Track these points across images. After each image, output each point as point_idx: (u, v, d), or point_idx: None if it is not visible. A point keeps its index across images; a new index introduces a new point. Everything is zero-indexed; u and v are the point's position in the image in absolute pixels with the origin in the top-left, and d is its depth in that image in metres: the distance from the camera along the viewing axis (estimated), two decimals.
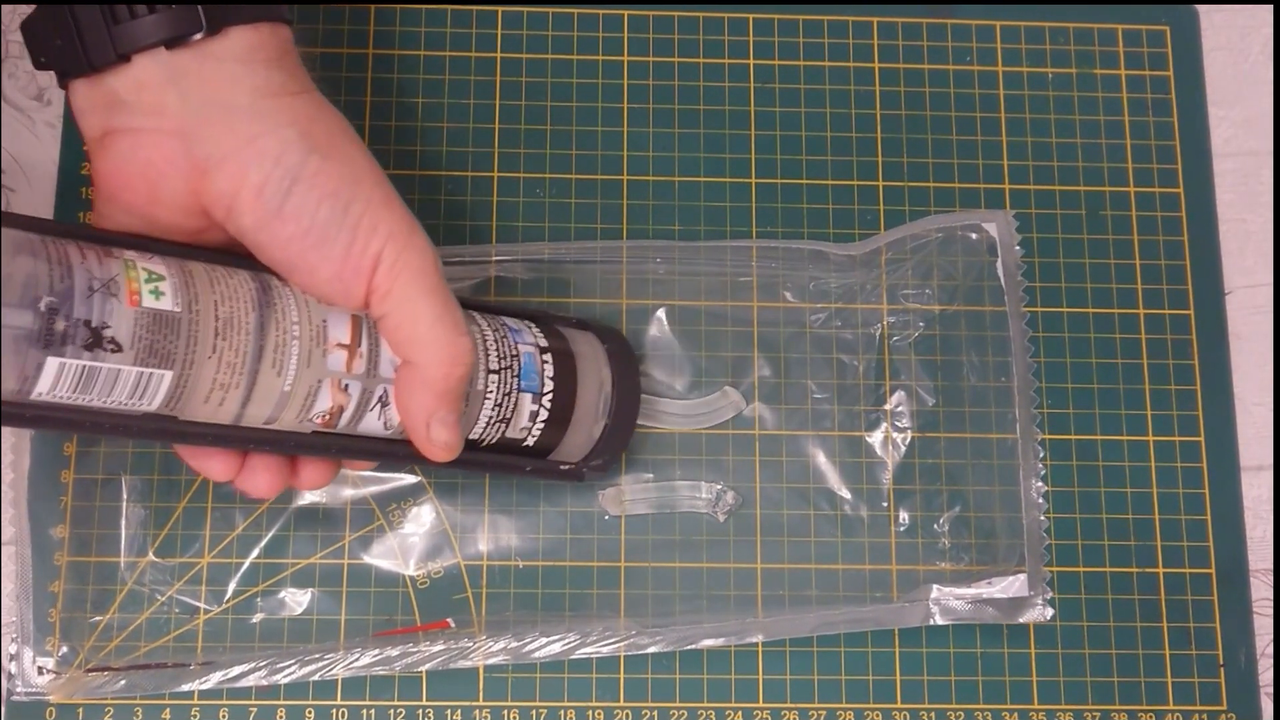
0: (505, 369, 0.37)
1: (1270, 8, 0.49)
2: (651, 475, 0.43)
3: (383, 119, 0.45)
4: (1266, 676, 0.43)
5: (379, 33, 0.46)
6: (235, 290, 0.33)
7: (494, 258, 0.44)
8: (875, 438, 0.44)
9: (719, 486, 0.43)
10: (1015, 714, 0.42)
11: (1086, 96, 0.47)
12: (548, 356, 0.38)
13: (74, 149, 0.44)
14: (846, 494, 0.43)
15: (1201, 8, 0.48)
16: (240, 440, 0.34)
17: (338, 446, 0.36)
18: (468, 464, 0.39)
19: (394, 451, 0.36)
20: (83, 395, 0.30)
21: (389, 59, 0.46)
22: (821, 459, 0.44)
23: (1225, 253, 0.46)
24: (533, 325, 0.39)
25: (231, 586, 0.42)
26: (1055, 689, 0.43)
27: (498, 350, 0.37)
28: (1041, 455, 0.44)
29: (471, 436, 0.37)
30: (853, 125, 0.46)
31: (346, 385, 0.34)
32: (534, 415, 0.38)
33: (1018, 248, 0.45)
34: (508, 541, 0.43)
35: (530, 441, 0.38)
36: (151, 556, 0.42)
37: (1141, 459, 0.44)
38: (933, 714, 0.42)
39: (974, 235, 0.45)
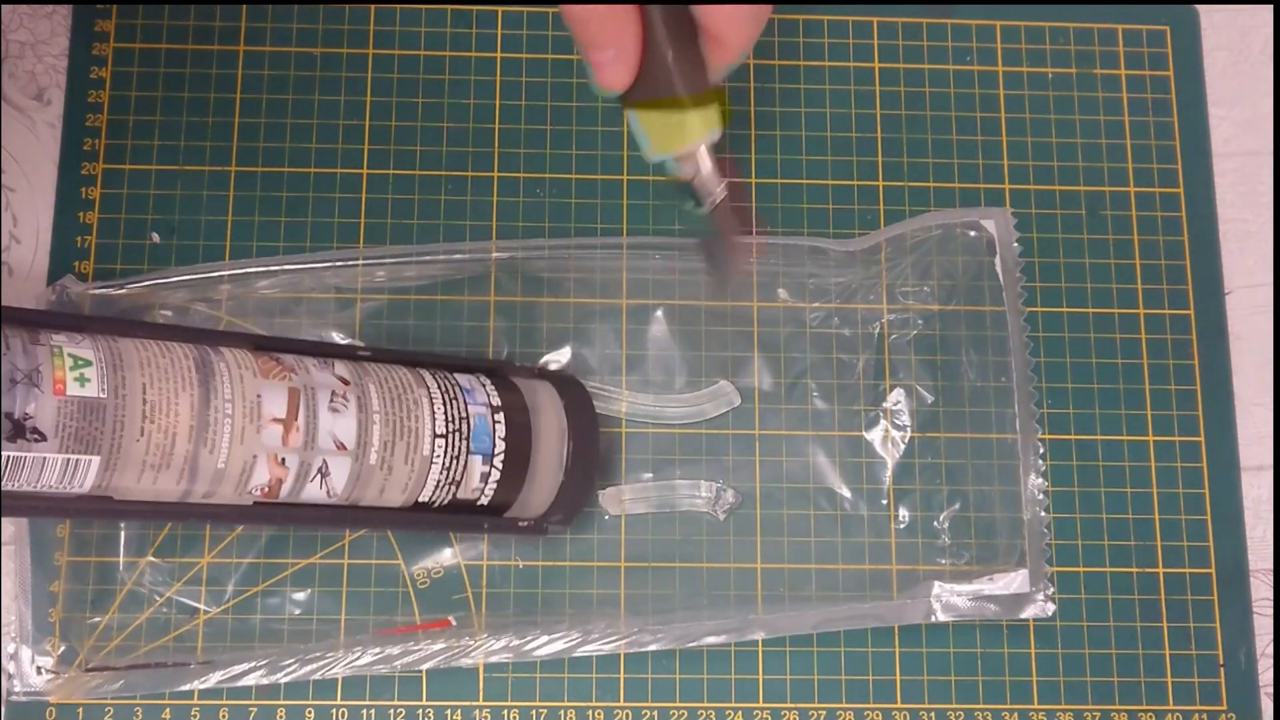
0: (454, 432, 0.37)
1: (1270, 8, 0.49)
2: (651, 475, 0.43)
3: (383, 119, 0.45)
4: (1266, 676, 0.43)
5: (379, 33, 0.46)
6: (167, 370, 0.33)
7: (494, 255, 0.44)
8: (875, 436, 0.44)
9: (718, 485, 0.43)
10: (1015, 714, 0.42)
11: (1086, 96, 0.47)
12: (500, 416, 0.38)
13: (74, 149, 0.44)
14: (846, 493, 0.43)
15: (1201, 8, 0.48)
16: (180, 515, 0.34)
17: (283, 516, 0.36)
18: (421, 525, 0.39)
19: (341, 518, 0.37)
20: (10, 481, 0.31)
21: (389, 59, 0.46)
22: (821, 458, 0.44)
23: (1225, 253, 0.46)
24: (486, 382, 0.39)
25: (231, 587, 0.42)
26: (1055, 689, 0.43)
27: (445, 413, 0.37)
28: (1041, 454, 0.44)
29: (421, 499, 0.37)
30: (853, 125, 0.46)
31: (284, 459, 0.34)
32: (485, 476, 0.38)
33: (1016, 245, 0.45)
34: (508, 541, 0.42)
35: (484, 501, 0.38)
36: (151, 557, 0.42)
37: (1141, 459, 0.44)
38: (933, 714, 0.42)
39: (973, 233, 0.45)
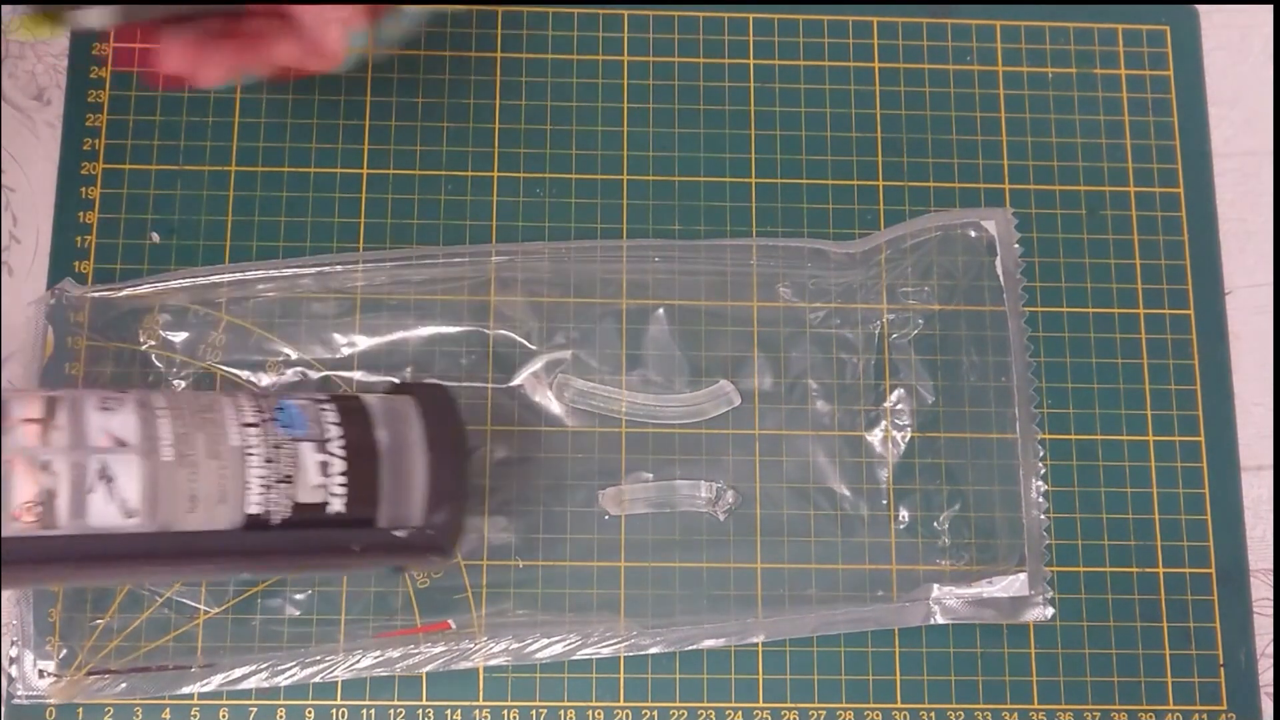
0: (267, 420, 0.32)
1: (1270, 8, 0.49)
2: (651, 475, 0.43)
3: (383, 119, 0.45)
4: (1266, 676, 0.43)
5: None
6: None
7: (494, 258, 0.44)
8: (875, 437, 0.44)
9: (718, 485, 0.43)
10: (1015, 714, 0.42)
11: (1086, 96, 0.47)
12: (328, 406, 0.33)
13: (74, 149, 0.44)
14: (846, 493, 0.43)
15: (1201, 8, 0.48)
16: None
17: (74, 552, 0.29)
18: (268, 556, 0.32)
19: (154, 550, 0.30)
20: None
21: (389, 59, 0.46)
22: (821, 458, 0.44)
23: (1225, 253, 0.46)
24: (310, 391, 0.34)
25: (231, 587, 0.42)
26: (1055, 689, 0.43)
27: (254, 406, 0.32)
28: (1041, 455, 0.44)
29: (252, 509, 0.31)
30: (853, 125, 0.46)
31: (47, 463, 0.29)
32: (325, 467, 0.32)
33: (1017, 245, 0.45)
34: (508, 541, 0.43)
35: (338, 506, 0.32)
36: None
37: (1141, 459, 0.44)
38: (933, 714, 0.42)
39: (973, 233, 0.45)
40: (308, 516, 0.32)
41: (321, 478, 0.32)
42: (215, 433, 0.31)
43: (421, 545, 0.34)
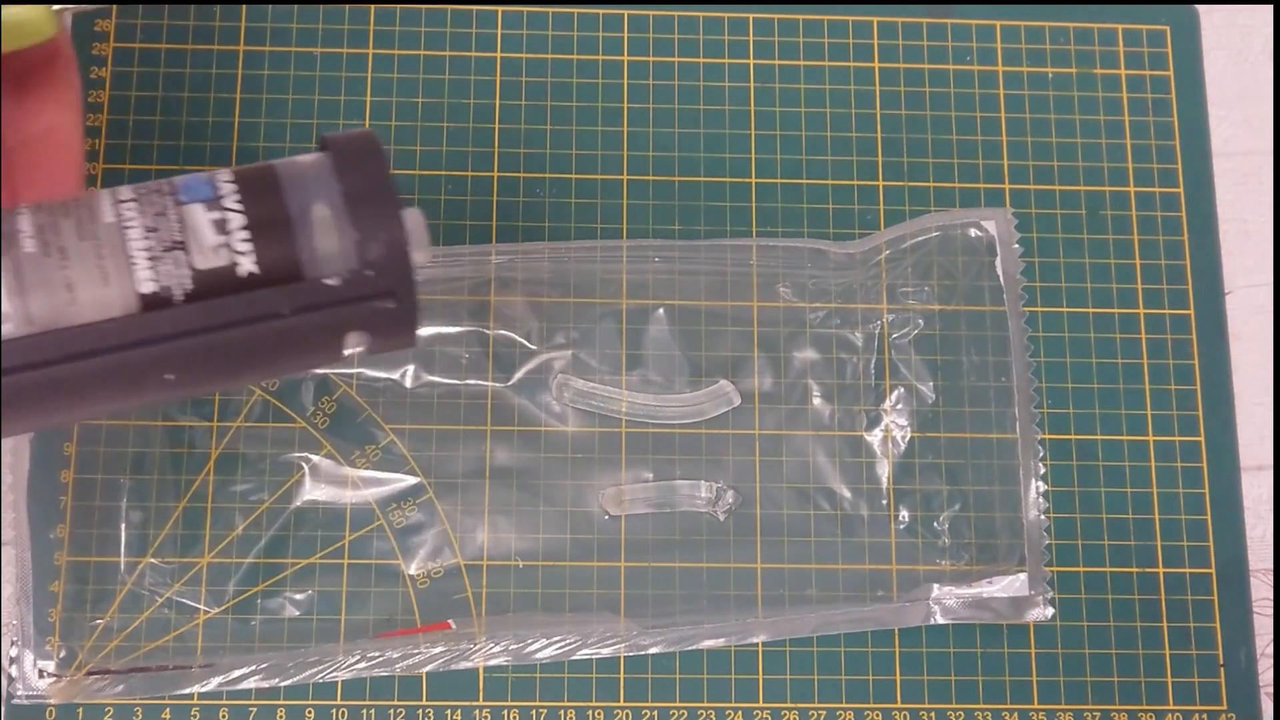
0: (148, 193, 0.28)
1: (1270, 8, 0.49)
2: (651, 475, 0.43)
3: (383, 119, 0.45)
4: (1266, 676, 0.43)
5: (379, 33, 0.46)
6: None
7: (494, 258, 0.44)
8: (875, 436, 0.44)
9: (719, 485, 0.43)
10: (1015, 714, 0.42)
11: (1086, 96, 0.47)
12: (226, 173, 0.29)
13: None
14: (846, 493, 0.43)
15: (1201, 8, 0.48)
16: None
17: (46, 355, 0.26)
18: (177, 339, 0.28)
19: (42, 353, 0.27)
20: None
21: (389, 59, 0.46)
22: (821, 458, 0.44)
23: (1225, 253, 0.46)
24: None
25: (231, 587, 0.42)
26: (1055, 689, 0.43)
27: (134, 189, 0.29)
28: (1041, 455, 0.44)
29: (144, 287, 0.27)
30: (853, 125, 0.46)
31: None
32: (221, 224, 0.28)
33: (1017, 245, 0.45)
34: (508, 541, 0.43)
35: (249, 265, 0.28)
36: (150, 558, 0.42)
37: (1141, 459, 0.44)
38: (933, 714, 0.42)
39: (973, 233, 0.45)
40: (216, 284, 0.28)
41: (220, 236, 0.28)
42: (85, 215, 0.28)
43: (365, 292, 0.29)
